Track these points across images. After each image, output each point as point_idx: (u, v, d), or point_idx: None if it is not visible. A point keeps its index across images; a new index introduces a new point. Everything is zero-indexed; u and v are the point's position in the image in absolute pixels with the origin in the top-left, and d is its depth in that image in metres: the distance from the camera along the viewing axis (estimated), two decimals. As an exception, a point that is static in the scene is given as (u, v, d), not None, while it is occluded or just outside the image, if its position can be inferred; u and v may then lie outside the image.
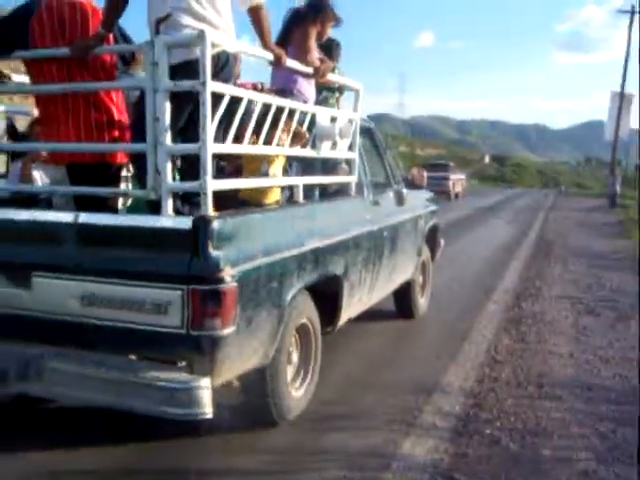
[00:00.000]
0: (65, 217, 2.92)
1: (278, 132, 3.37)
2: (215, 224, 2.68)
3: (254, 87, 4.00)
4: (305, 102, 3.93)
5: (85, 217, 2.87)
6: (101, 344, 2.84)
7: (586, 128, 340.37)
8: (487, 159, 69.09)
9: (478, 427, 3.51)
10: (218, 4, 3.07)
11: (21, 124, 4.61)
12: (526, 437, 3.40)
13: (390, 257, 4.74)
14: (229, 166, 3.83)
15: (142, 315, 2.70)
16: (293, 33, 4.08)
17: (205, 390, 2.70)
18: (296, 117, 3.60)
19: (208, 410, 2.71)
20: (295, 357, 3.55)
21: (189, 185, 2.87)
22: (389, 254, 4.70)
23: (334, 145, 3.92)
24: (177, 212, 2.88)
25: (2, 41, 3.20)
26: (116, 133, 3.34)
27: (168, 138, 2.78)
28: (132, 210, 3.46)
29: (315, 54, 4.03)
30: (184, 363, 2.78)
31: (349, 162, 4.27)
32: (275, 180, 3.57)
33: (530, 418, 3.65)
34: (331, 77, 4.08)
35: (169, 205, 2.80)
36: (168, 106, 2.78)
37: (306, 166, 4.10)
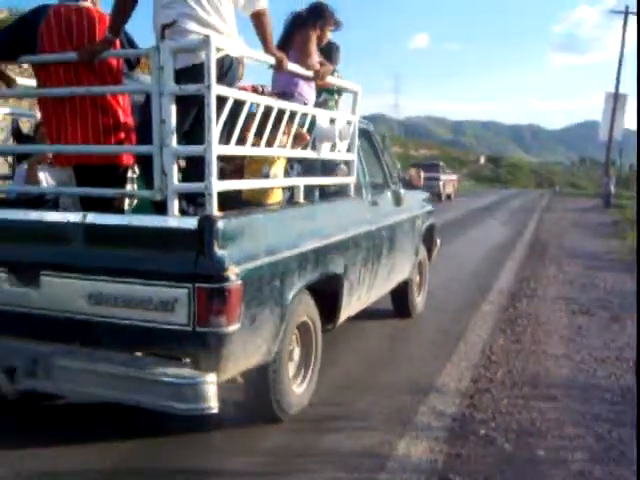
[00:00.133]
0: (73, 217, 2.98)
1: (279, 134, 3.43)
2: (220, 224, 2.74)
3: (254, 89, 4.07)
4: (305, 104, 3.98)
5: (93, 217, 2.93)
6: (108, 341, 2.90)
7: (580, 128, 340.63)
8: (482, 160, 68.93)
9: (473, 427, 3.50)
10: (222, 10, 3.14)
11: (26, 126, 4.66)
12: (521, 437, 3.39)
13: (388, 256, 4.81)
14: (229, 166, 3.88)
15: (149, 313, 2.76)
16: (294, 37, 4.14)
17: (211, 385, 2.75)
18: (297, 119, 3.66)
19: (214, 405, 2.77)
20: (296, 354, 3.61)
21: (195, 186, 2.92)
22: (387, 253, 4.77)
23: (334, 147, 3.99)
24: (182, 212, 2.94)
25: (12, 45, 3.27)
26: (122, 135, 3.40)
27: (174, 140, 2.83)
28: (137, 211, 3.52)
29: (315, 57, 4.09)
30: (189, 360, 2.83)
31: (348, 163, 4.33)
32: (277, 181, 3.64)
33: (525, 418, 3.63)
34: (330, 80, 4.14)
35: (175, 205, 2.86)
36: (174, 109, 2.84)
37: (307, 167, 4.16)
